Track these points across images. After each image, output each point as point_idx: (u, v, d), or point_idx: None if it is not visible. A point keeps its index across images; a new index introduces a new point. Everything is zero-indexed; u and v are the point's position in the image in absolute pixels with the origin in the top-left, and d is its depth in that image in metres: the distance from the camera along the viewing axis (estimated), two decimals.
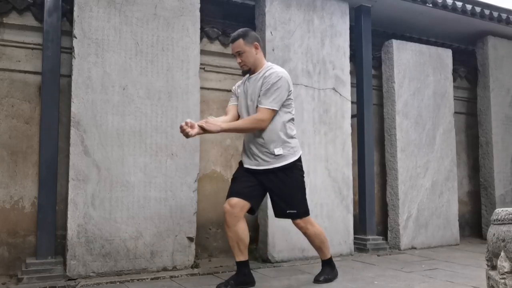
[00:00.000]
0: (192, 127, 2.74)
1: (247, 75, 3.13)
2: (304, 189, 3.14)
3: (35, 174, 3.51)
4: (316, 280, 3.21)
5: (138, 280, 3.28)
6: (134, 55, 3.56)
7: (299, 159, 3.09)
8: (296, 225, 3.12)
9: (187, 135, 2.73)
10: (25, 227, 3.48)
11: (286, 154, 3.00)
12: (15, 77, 3.54)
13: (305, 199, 3.14)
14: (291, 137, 3.06)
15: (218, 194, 4.24)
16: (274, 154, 2.98)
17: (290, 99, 3.05)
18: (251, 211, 3.07)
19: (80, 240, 3.27)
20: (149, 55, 3.61)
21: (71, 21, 3.51)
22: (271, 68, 3.03)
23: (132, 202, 3.45)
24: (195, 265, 3.65)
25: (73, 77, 3.37)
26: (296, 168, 3.06)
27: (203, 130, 2.78)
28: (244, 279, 3.04)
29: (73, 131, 3.32)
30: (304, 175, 3.18)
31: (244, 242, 3.02)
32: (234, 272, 3.65)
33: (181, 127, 2.73)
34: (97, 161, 3.37)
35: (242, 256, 3.04)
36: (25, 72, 3.56)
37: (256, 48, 3.05)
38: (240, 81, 3.25)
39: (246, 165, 3.08)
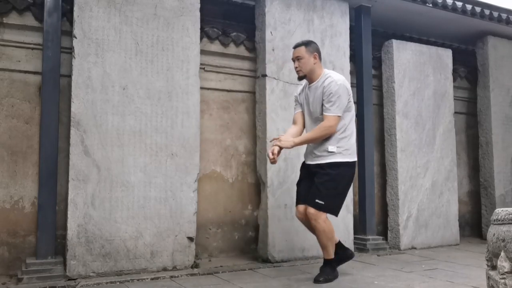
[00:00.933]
0: (274, 154, 3.19)
1: (306, 82, 3.40)
2: (344, 189, 3.28)
3: (35, 174, 3.51)
4: (316, 280, 3.21)
5: (138, 280, 3.28)
6: (134, 55, 3.56)
7: (352, 163, 3.28)
8: (309, 214, 3.19)
9: (274, 162, 3.24)
10: (25, 227, 3.48)
11: (338, 152, 3.21)
12: (15, 77, 3.54)
13: (340, 199, 3.26)
14: (346, 137, 3.25)
15: (218, 194, 4.24)
16: (327, 151, 3.22)
17: (349, 101, 3.27)
18: None
19: (80, 240, 3.27)
20: (149, 55, 3.61)
21: (71, 21, 3.51)
22: (330, 77, 3.25)
23: (132, 202, 3.45)
24: (195, 265, 3.65)
25: (73, 77, 3.37)
26: (344, 166, 3.23)
27: (280, 148, 3.23)
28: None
29: (73, 131, 3.32)
30: (351, 180, 3.36)
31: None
32: (234, 272, 3.66)
33: (270, 159, 3.21)
34: (97, 161, 3.37)
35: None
36: (25, 72, 3.56)
37: (315, 58, 3.30)
38: (300, 89, 3.52)
39: (306, 161, 3.43)
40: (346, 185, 3.31)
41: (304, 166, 3.45)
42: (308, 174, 3.36)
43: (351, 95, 3.31)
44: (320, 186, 3.19)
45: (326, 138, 3.22)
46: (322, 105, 3.23)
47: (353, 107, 3.34)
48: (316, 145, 3.29)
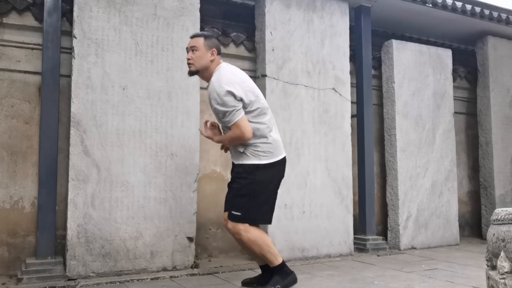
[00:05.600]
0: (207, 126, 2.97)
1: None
2: (262, 195, 2.85)
3: (35, 174, 3.51)
4: None
5: (138, 280, 3.28)
6: (134, 55, 3.56)
7: (266, 165, 2.83)
8: (228, 228, 2.86)
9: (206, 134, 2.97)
10: (25, 227, 3.48)
11: (249, 155, 2.83)
12: (15, 77, 3.54)
13: (259, 207, 2.83)
14: (261, 138, 2.83)
15: (218, 194, 4.23)
16: (239, 151, 2.87)
17: (246, 101, 2.80)
18: None
19: (80, 240, 3.27)
20: (149, 55, 3.61)
21: (71, 21, 3.51)
22: (211, 81, 2.83)
23: (132, 202, 3.45)
24: (195, 265, 3.65)
25: (73, 77, 3.37)
26: (260, 170, 2.82)
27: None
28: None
29: (73, 131, 3.32)
30: (274, 182, 2.93)
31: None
32: (234, 272, 3.65)
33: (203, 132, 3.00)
34: (97, 161, 3.37)
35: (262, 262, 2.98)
36: (25, 72, 3.56)
37: (213, 54, 2.88)
38: None
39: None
40: (266, 190, 2.86)
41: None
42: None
43: (248, 91, 2.83)
44: (235, 193, 2.85)
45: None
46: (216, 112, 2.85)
47: (258, 104, 2.85)
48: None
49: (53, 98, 3.40)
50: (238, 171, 2.87)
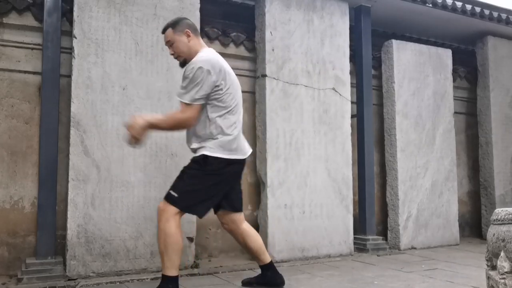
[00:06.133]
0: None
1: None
2: (204, 188, 2.71)
3: (35, 174, 3.51)
4: None
5: (138, 280, 3.29)
6: (134, 55, 3.56)
7: (224, 160, 2.71)
8: (158, 208, 2.74)
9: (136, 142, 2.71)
10: (25, 227, 3.48)
11: (211, 146, 2.70)
12: (15, 77, 3.54)
13: (196, 196, 2.70)
14: (226, 133, 2.73)
15: None
16: (200, 140, 2.74)
17: (217, 91, 2.68)
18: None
19: (80, 240, 3.27)
20: (149, 55, 3.61)
21: (71, 21, 3.51)
22: (195, 57, 2.70)
23: (132, 202, 3.45)
24: (195, 265, 3.65)
25: (73, 77, 3.37)
26: (212, 163, 2.69)
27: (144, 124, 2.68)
28: None
29: (73, 131, 3.32)
30: (219, 180, 2.77)
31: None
32: (234, 272, 3.66)
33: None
34: (97, 161, 3.37)
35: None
36: (25, 72, 3.56)
37: (188, 35, 2.78)
38: None
39: None
40: (214, 185, 2.75)
41: None
42: None
43: (222, 82, 2.69)
44: (182, 176, 2.74)
45: (191, 134, 2.79)
46: None
47: (229, 98, 2.73)
48: (188, 137, 2.86)
49: (53, 98, 3.40)
50: (195, 158, 2.74)
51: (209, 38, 4.23)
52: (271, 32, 4.17)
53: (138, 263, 3.44)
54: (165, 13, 3.69)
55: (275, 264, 3.87)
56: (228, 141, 2.73)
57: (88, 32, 3.41)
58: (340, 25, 4.58)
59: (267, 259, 3.00)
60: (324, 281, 3.29)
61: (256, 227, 4.19)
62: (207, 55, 2.73)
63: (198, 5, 3.84)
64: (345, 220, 4.39)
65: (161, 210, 2.68)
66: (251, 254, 3.03)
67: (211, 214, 4.16)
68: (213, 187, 2.76)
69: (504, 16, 5.45)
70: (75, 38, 3.38)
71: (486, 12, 5.31)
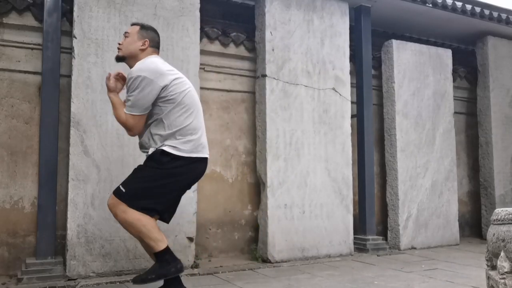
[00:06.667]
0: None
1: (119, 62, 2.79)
2: (158, 186, 2.57)
3: (35, 174, 3.51)
4: (134, 280, 2.62)
5: None
6: None
7: (181, 158, 2.58)
8: (108, 205, 2.60)
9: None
10: (25, 227, 3.48)
11: (168, 144, 2.58)
12: (15, 77, 3.54)
13: (146, 193, 2.55)
14: (184, 133, 2.61)
15: (218, 194, 4.24)
16: (157, 137, 2.61)
17: (166, 96, 2.58)
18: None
19: (80, 240, 3.27)
20: None
21: (71, 21, 3.51)
22: (136, 65, 2.61)
23: None
24: (195, 265, 3.65)
25: (73, 77, 3.37)
26: (168, 160, 2.56)
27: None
28: None
29: (73, 131, 3.32)
30: (181, 180, 2.66)
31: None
32: (234, 272, 3.65)
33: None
34: (97, 161, 3.37)
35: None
36: (25, 72, 3.56)
37: (144, 44, 2.68)
38: None
39: None
40: (169, 183, 2.60)
41: None
42: None
43: (169, 85, 2.58)
44: (135, 172, 2.65)
45: (144, 138, 2.68)
46: None
47: (178, 99, 2.60)
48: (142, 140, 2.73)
49: (53, 98, 3.40)
50: (153, 155, 2.60)
51: (209, 38, 4.24)
52: (271, 32, 4.17)
53: (138, 263, 3.43)
54: (165, 13, 3.69)
55: (274, 264, 3.90)
56: (188, 140, 2.61)
57: (88, 32, 3.41)
58: (340, 25, 4.58)
59: (153, 248, 2.68)
60: (324, 281, 3.29)
61: (256, 227, 4.19)
62: (147, 61, 2.62)
63: (198, 5, 3.84)
64: (345, 220, 4.39)
65: (112, 205, 2.55)
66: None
67: (210, 214, 4.18)
68: (167, 187, 2.60)
69: (504, 16, 5.45)
70: (75, 38, 3.38)
71: (486, 12, 5.31)
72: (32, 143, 3.54)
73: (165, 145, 2.57)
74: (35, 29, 3.55)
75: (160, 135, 2.60)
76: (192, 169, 2.68)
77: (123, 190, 2.54)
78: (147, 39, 2.70)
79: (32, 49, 3.57)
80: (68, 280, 3.20)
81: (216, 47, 4.30)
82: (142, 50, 2.69)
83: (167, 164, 2.57)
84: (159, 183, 2.58)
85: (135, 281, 2.59)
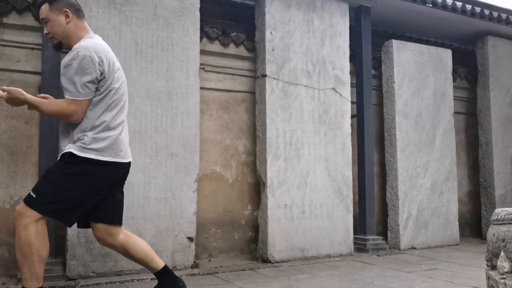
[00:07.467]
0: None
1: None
2: (72, 190, 2.31)
3: (35, 174, 3.51)
4: None
5: (138, 280, 3.28)
6: (134, 55, 3.56)
7: (100, 162, 2.34)
8: (15, 212, 2.26)
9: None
10: None
11: (85, 144, 2.32)
12: (15, 77, 3.54)
13: (55, 195, 2.27)
14: (106, 130, 2.36)
15: (218, 194, 4.24)
16: (73, 137, 2.35)
17: (105, 83, 2.35)
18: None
19: (80, 240, 3.27)
20: (149, 55, 3.61)
21: None
22: (78, 43, 2.36)
23: (132, 202, 3.45)
24: (195, 265, 3.65)
25: None
26: (85, 164, 2.31)
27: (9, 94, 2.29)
28: None
29: None
30: (99, 186, 2.41)
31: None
32: (234, 272, 3.65)
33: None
34: None
35: None
36: (25, 72, 3.56)
37: (67, 16, 2.41)
38: None
39: None
40: (81, 186, 2.33)
41: None
42: None
43: (111, 76, 2.37)
44: (46, 176, 2.34)
45: (66, 128, 2.38)
46: None
47: (110, 94, 2.38)
48: (60, 133, 2.48)
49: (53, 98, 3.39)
50: (64, 156, 2.33)
51: (209, 38, 4.24)
52: (271, 32, 4.17)
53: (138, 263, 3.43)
54: (165, 13, 3.69)
55: (274, 264, 3.89)
56: (107, 140, 2.36)
57: None
58: (340, 25, 4.58)
59: (159, 265, 2.57)
60: (324, 281, 3.29)
61: (256, 227, 4.19)
62: (93, 41, 2.39)
63: (198, 5, 3.84)
64: (345, 220, 4.39)
65: (18, 213, 2.23)
66: (140, 264, 2.61)
67: (210, 214, 4.18)
68: (80, 190, 2.33)
69: (504, 16, 5.45)
70: None
71: (486, 12, 5.31)
72: (32, 143, 3.54)
73: (79, 145, 2.34)
74: (35, 29, 3.55)
75: (83, 126, 2.36)
76: (109, 173, 2.44)
77: (34, 196, 2.29)
78: (65, 9, 2.41)
79: (32, 49, 3.57)
80: (68, 280, 3.20)
81: (216, 47, 4.30)
82: (68, 22, 2.42)
83: (80, 166, 2.35)
84: (71, 187, 2.35)
85: None
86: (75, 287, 3.09)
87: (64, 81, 2.31)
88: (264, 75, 4.13)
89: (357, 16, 4.89)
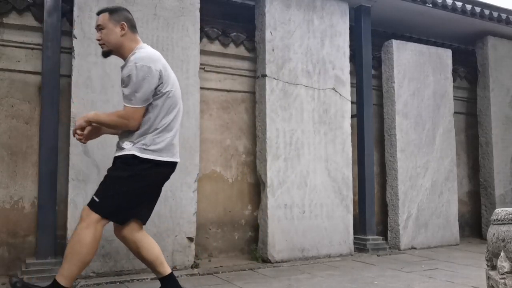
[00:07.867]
0: (80, 131, 2.56)
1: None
2: (134, 191, 2.50)
3: (35, 174, 3.51)
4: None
5: (138, 280, 3.28)
6: None
7: (154, 162, 2.49)
8: (81, 214, 2.50)
9: (82, 140, 2.62)
10: (25, 227, 3.47)
11: (140, 146, 2.49)
12: (15, 77, 3.54)
13: (119, 201, 2.48)
14: (150, 132, 2.50)
15: (218, 194, 4.24)
16: (129, 140, 2.52)
17: (160, 90, 2.50)
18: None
19: None
20: None
21: (71, 21, 3.51)
22: (133, 55, 2.51)
23: None
24: (195, 265, 3.65)
25: (73, 77, 3.37)
26: (141, 163, 2.47)
27: (88, 123, 2.56)
28: None
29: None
30: (151, 185, 2.59)
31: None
32: (234, 272, 3.65)
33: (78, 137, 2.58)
34: (97, 161, 3.37)
35: None
36: (25, 72, 3.56)
37: (122, 29, 2.56)
38: None
39: None
40: (141, 187, 2.51)
41: None
42: None
43: (167, 81, 2.55)
44: (107, 181, 2.52)
45: (126, 131, 2.54)
46: None
47: (169, 97, 2.55)
48: (119, 137, 2.65)
49: (53, 98, 3.40)
50: (125, 158, 2.50)
51: (209, 38, 4.24)
52: (271, 32, 4.17)
53: (138, 263, 3.42)
54: (165, 13, 3.69)
55: (274, 264, 3.89)
56: (165, 141, 2.52)
57: (88, 32, 3.41)
58: (340, 25, 4.58)
59: (166, 271, 2.61)
60: (324, 281, 3.29)
61: (256, 227, 4.19)
62: (147, 51, 2.55)
63: (198, 5, 3.84)
64: (345, 220, 4.39)
65: (82, 218, 2.45)
66: (147, 265, 2.68)
67: (210, 214, 4.18)
68: (140, 191, 2.52)
69: (504, 16, 5.46)
70: (75, 38, 3.38)
71: (486, 12, 5.31)
72: (32, 143, 3.54)
73: (137, 148, 2.52)
74: (35, 29, 3.55)
75: (139, 134, 2.54)
76: (164, 173, 2.64)
77: (97, 200, 2.49)
78: (123, 22, 2.57)
79: (32, 49, 3.57)
80: None
81: (216, 47, 4.30)
82: (123, 35, 2.57)
83: (138, 167, 2.51)
84: (131, 189, 2.53)
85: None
86: (75, 287, 3.08)
87: (125, 91, 2.46)
88: (264, 75, 4.13)
89: (357, 16, 4.89)
